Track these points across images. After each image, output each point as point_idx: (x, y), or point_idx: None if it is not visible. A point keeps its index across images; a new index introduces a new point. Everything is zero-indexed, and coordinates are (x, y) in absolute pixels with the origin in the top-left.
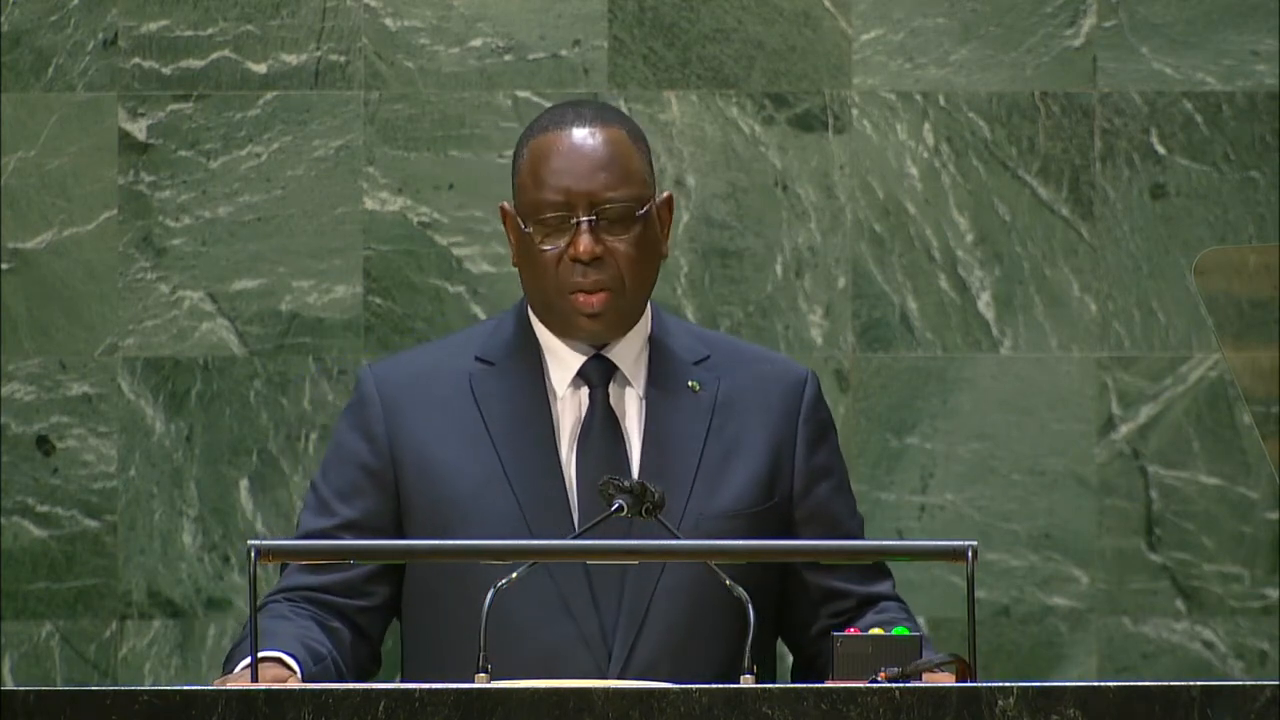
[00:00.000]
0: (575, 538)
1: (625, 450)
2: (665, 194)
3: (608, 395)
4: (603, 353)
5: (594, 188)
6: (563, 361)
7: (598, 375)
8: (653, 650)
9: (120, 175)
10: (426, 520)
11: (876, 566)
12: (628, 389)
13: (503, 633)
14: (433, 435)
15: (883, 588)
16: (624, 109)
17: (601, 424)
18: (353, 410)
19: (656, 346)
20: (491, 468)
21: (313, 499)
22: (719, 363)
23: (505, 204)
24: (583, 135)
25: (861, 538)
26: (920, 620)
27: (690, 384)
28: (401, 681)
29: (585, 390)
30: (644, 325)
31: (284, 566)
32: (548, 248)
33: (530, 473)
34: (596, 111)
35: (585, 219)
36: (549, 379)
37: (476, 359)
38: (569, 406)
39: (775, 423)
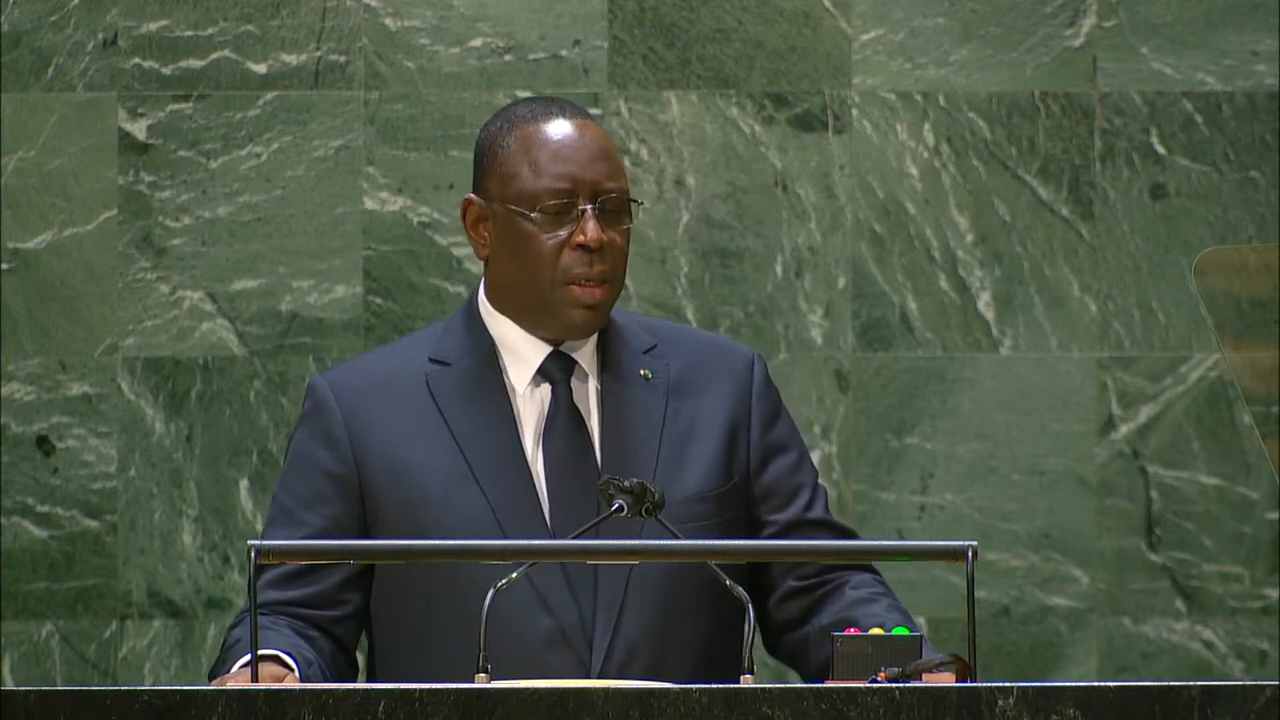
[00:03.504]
0: (574, 537)
1: (590, 444)
2: None
3: (570, 391)
4: (561, 348)
5: (597, 176)
6: (521, 358)
7: (559, 371)
8: (632, 639)
9: (120, 175)
10: (397, 523)
11: (839, 529)
12: (587, 383)
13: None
14: (397, 438)
15: None
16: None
17: (566, 419)
18: (310, 419)
19: (606, 339)
20: (458, 468)
21: (276, 512)
22: (667, 350)
23: (473, 196)
24: (576, 126)
25: (825, 505)
26: (921, 621)
27: (642, 373)
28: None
29: (547, 386)
30: None
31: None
32: (550, 237)
33: (497, 471)
34: (574, 106)
35: (591, 207)
36: (507, 376)
37: (431, 360)
38: (530, 403)
39: (728, 405)
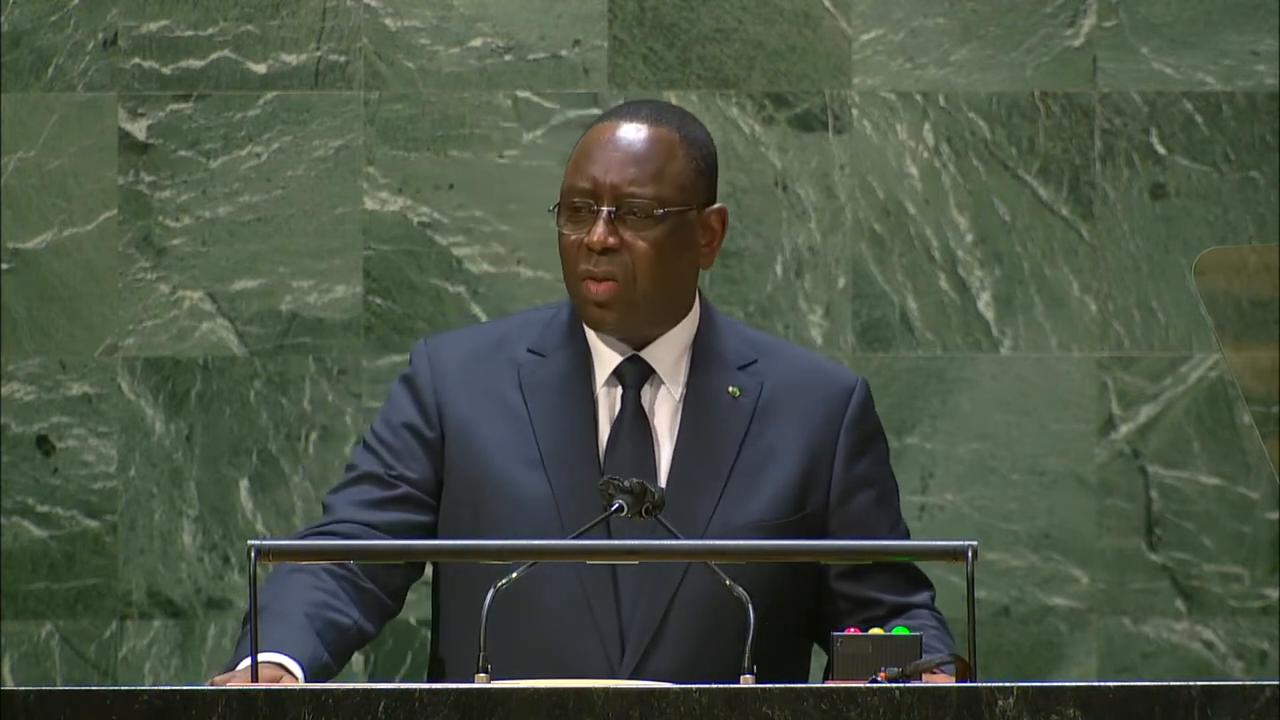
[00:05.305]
0: (575, 537)
1: (654, 453)
2: (716, 206)
3: (639, 397)
4: (640, 354)
5: (619, 180)
6: (602, 359)
7: (632, 376)
8: (665, 658)
9: (120, 175)
10: (463, 496)
11: (914, 577)
12: (663, 391)
13: (525, 620)
14: (477, 415)
15: (919, 598)
16: None
17: (631, 425)
18: (406, 380)
19: (700, 350)
20: (529, 453)
21: (365, 449)
22: (765, 368)
23: None
24: (629, 130)
25: None
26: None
27: (731, 389)
28: (431, 660)
29: (619, 390)
30: (687, 328)
31: (326, 506)
32: (570, 234)
33: (566, 462)
34: (656, 111)
35: (605, 209)
36: (594, 373)
37: (529, 350)
38: (605, 404)
39: (815, 431)
